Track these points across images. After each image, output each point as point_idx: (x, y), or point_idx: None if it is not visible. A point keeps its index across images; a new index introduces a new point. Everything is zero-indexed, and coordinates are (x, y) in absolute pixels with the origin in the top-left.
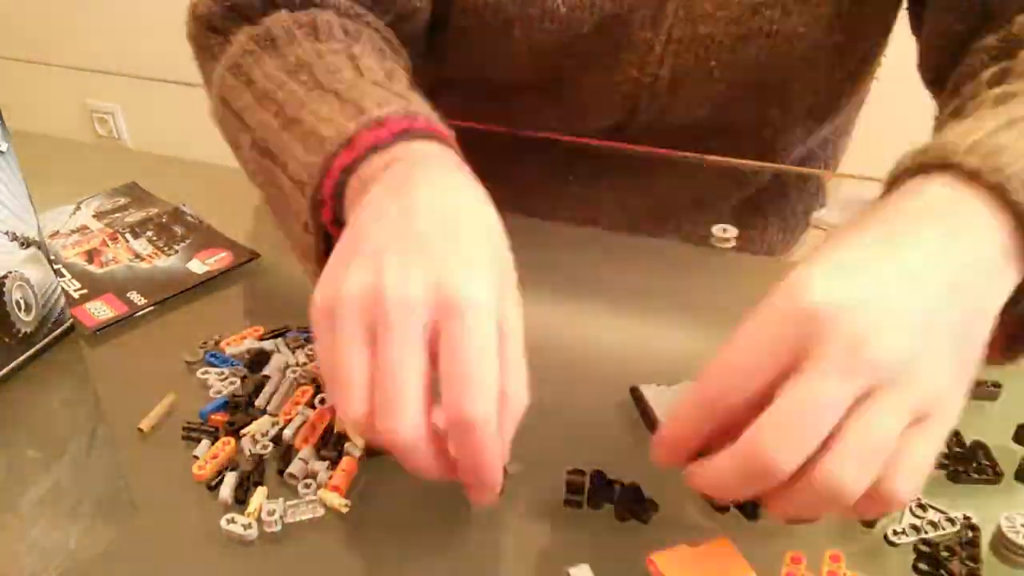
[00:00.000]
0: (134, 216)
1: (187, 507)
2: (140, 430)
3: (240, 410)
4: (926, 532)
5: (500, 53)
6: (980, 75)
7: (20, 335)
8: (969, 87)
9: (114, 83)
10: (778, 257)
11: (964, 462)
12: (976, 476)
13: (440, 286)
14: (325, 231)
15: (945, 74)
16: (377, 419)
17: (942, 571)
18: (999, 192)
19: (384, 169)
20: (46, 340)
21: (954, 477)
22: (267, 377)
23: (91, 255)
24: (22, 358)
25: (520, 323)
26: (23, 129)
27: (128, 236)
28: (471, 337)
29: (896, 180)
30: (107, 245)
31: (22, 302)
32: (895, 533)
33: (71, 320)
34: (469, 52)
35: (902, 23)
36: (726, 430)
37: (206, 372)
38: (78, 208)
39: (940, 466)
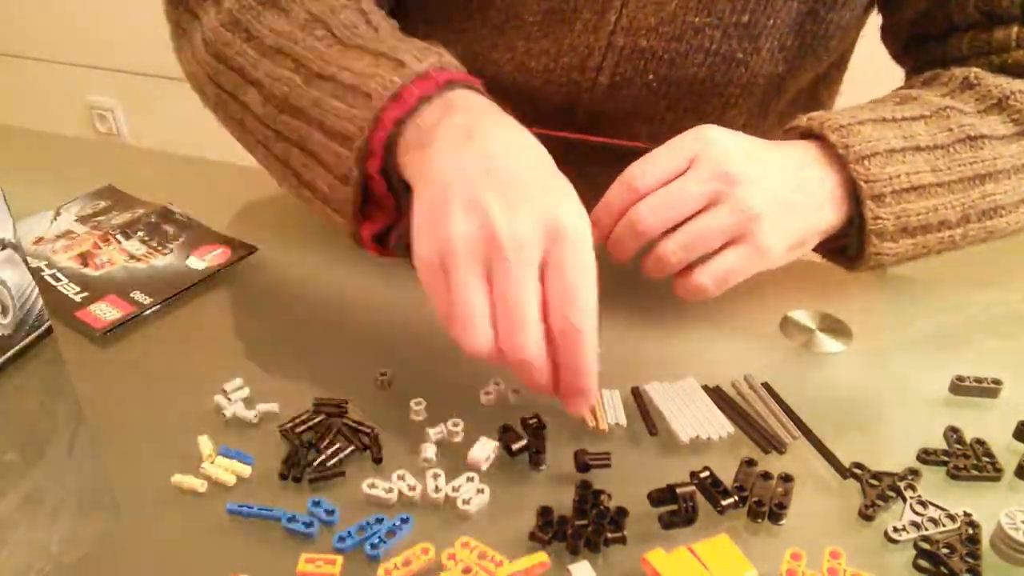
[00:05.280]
0: (120, 218)
1: (171, 508)
2: None
3: None
4: (926, 529)
5: (453, 28)
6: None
7: None
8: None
9: (114, 80)
10: None
11: (964, 459)
12: (976, 473)
13: (545, 220)
14: (365, 184)
15: (911, 48)
16: (504, 342)
17: (942, 568)
18: (840, 161)
19: (443, 118)
20: (24, 343)
21: (955, 474)
22: None
23: (85, 258)
24: None
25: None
26: (22, 126)
27: (119, 237)
28: (576, 259)
29: (789, 130)
30: (99, 248)
31: None
32: (896, 530)
33: (49, 322)
34: (436, 23)
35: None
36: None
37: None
38: (58, 213)
39: (941, 463)
